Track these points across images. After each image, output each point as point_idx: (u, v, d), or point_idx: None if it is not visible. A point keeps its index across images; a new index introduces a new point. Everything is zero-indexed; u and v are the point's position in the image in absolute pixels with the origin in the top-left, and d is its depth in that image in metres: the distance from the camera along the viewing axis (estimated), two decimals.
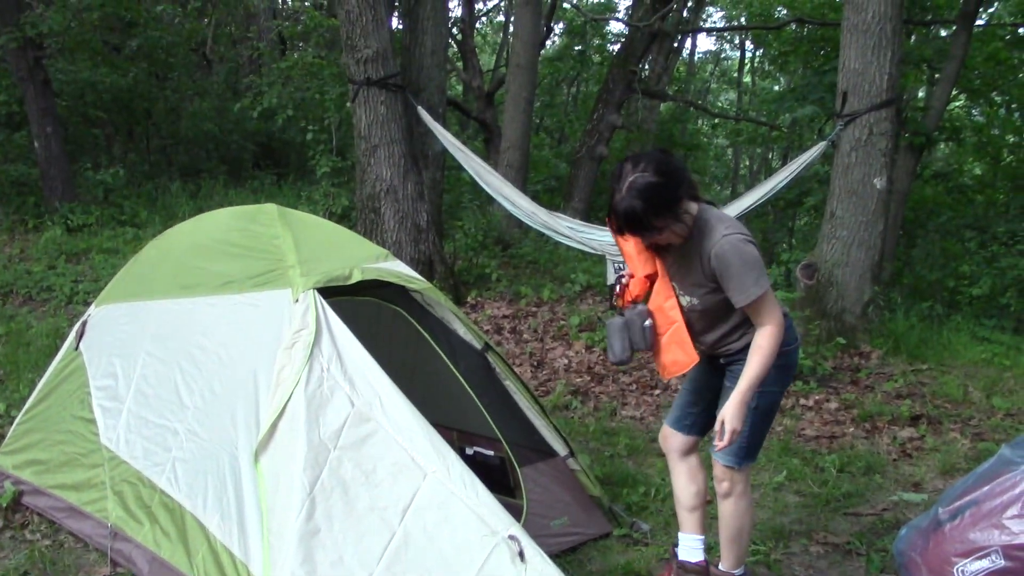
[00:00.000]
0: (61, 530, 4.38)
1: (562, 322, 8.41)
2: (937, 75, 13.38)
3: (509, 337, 8.13)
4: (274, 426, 3.52)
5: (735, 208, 8.22)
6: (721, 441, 3.42)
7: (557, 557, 4.11)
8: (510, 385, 4.48)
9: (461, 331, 4.51)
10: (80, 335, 4.78)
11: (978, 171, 17.96)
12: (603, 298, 8.98)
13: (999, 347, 8.41)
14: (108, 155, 14.96)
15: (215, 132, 16.29)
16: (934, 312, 10.21)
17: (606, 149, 14.23)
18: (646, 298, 3.63)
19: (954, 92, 13.60)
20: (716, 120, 21.80)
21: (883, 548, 4.43)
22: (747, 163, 28.51)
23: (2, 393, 6.10)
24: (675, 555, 4.00)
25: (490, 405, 4.43)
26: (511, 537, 3.33)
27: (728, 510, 3.76)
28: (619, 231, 3.40)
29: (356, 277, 4.01)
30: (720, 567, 3.89)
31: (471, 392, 4.40)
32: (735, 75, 28.96)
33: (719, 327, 3.55)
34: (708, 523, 4.06)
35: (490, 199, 9.06)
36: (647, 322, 3.54)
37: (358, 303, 4.24)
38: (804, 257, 8.91)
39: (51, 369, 4.89)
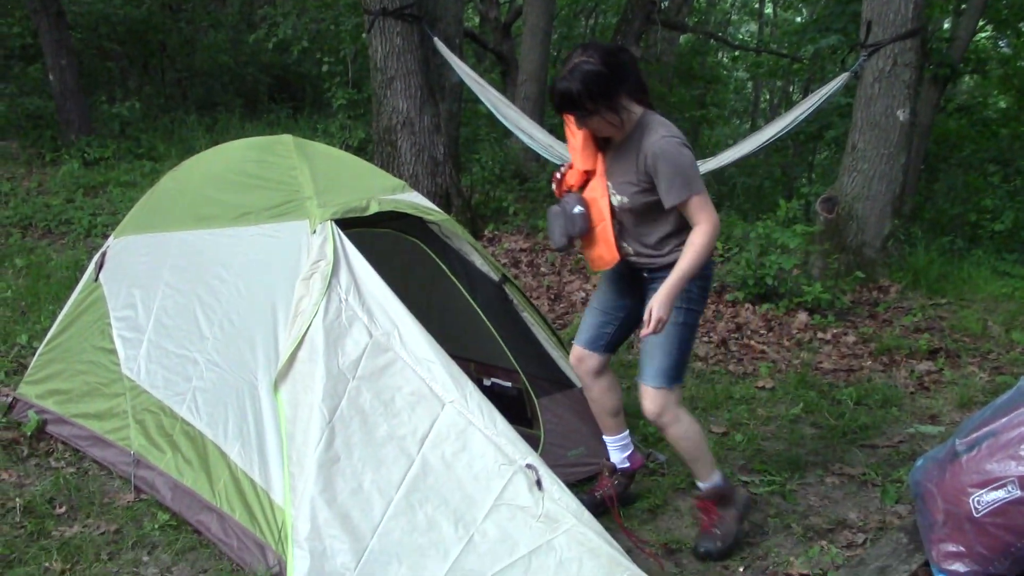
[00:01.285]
0: (85, 458, 4.45)
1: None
2: (963, 5, 13.06)
3: (526, 270, 8.12)
4: (293, 356, 3.54)
5: (754, 141, 8.12)
6: (647, 328, 3.45)
7: (573, 487, 4.08)
8: (527, 317, 4.49)
9: (479, 263, 4.51)
10: (99, 266, 4.80)
11: (1003, 104, 17.64)
12: None
13: (1020, 281, 8.34)
14: (123, 88, 14.89)
15: (230, 64, 16.16)
16: (955, 246, 10.14)
17: None
18: (582, 190, 3.70)
19: (980, 23, 13.29)
20: (736, 52, 21.42)
21: (898, 479, 4.46)
22: (767, 96, 28.11)
23: (24, 324, 6.15)
24: (610, 466, 4.13)
25: (507, 336, 4.45)
26: (528, 466, 3.37)
27: (673, 437, 3.79)
28: (556, 108, 3.51)
29: (373, 208, 3.99)
30: (700, 485, 3.89)
31: (488, 323, 4.41)
32: (756, 6, 28.41)
33: (647, 233, 3.62)
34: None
35: (507, 132, 8.97)
36: (576, 208, 3.61)
37: (376, 234, 4.24)
38: (824, 191, 8.83)
39: (71, 300, 4.92)
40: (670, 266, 3.48)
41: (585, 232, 3.65)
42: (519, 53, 13.66)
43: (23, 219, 9.21)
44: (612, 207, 3.63)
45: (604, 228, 3.63)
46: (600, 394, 4.08)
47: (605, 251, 3.66)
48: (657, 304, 3.42)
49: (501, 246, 8.65)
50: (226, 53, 16.15)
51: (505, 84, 15.38)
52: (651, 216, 3.57)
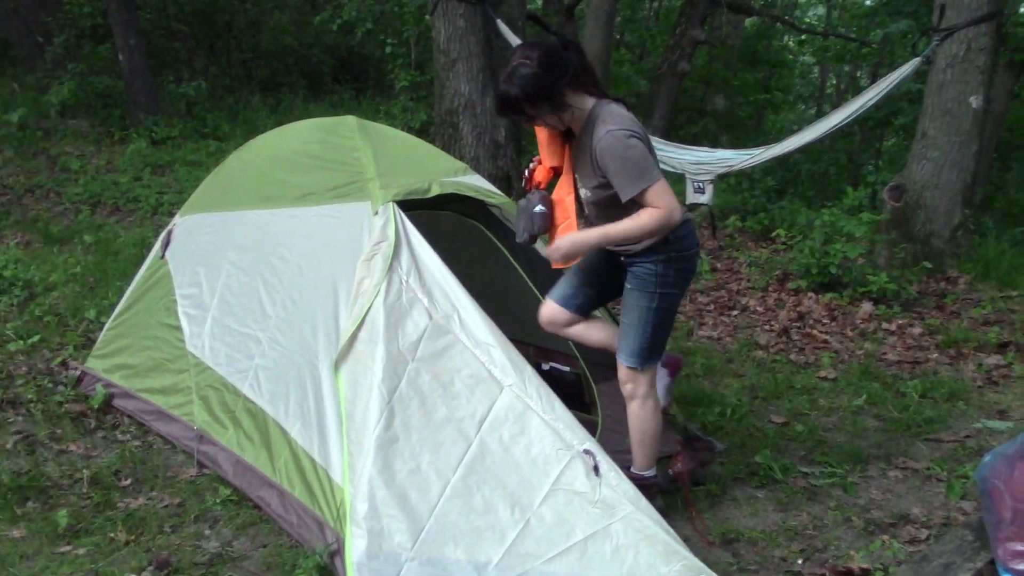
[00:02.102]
0: (150, 432, 4.54)
1: None
2: None
3: None
4: (354, 336, 3.56)
5: (820, 127, 7.97)
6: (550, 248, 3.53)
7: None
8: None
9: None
10: (166, 244, 4.88)
11: None
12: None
13: None
14: (190, 68, 15.09)
15: (294, 46, 16.29)
16: None
17: (688, 65, 13.89)
18: (551, 188, 3.70)
19: None
20: (803, 36, 21.03)
21: (964, 475, 4.36)
22: (834, 81, 27.58)
23: (92, 300, 6.28)
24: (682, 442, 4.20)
25: None
26: (586, 452, 3.35)
27: (633, 413, 3.80)
28: (498, 113, 3.49)
29: (435, 191, 3.99)
30: (632, 470, 3.86)
31: None
32: None
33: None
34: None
35: None
36: (537, 208, 3.61)
37: (437, 216, 4.24)
38: (892, 178, 8.65)
39: (138, 277, 5.01)
40: (645, 252, 3.55)
41: (545, 231, 3.66)
42: (582, 36, 13.57)
43: (92, 196, 9.40)
44: (580, 200, 3.62)
45: (569, 225, 3.60)
46: (581, 332, 4.03)
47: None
48: (567, 239, 3.49)
49: None
50: (291, 34, 16.29)
51: None
52: (615, 208, 3.47)
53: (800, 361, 6.02)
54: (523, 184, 3.80)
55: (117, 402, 4.73)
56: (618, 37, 21.61)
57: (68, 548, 3.56)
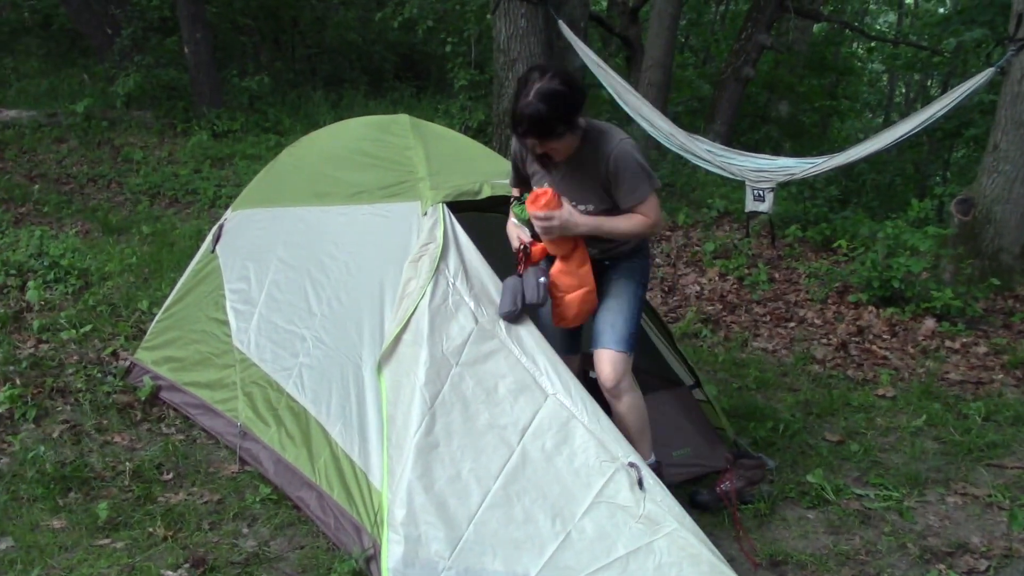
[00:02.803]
0: (194, 426, 4.53)
1: (696, 248, 8.18)
2: None
3: None
4: (397, 338, 3.51)
5: (887, 137, 7.76)
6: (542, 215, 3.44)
7: (677, 487, 4.01)
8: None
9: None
10: (217, 238, 4.88)
11: None
12: (740, 224, 8.68)
13: None
14: (256, 63, 15.23)
15: (358, 42, 16.37)
16: None
17: (753, 70, 13.65)
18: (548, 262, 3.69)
19: None
20: (872, 43, 20.65)
21: None
22: (903, 90, 27.02)
23: (146, 291, 6.32)
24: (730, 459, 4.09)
25: None
26: (631, 465, 3.27)
27: (628, 406, 3.70)
28: (523, 134, 3.42)
29: (486, 192, 3.93)
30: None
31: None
32: None
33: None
34: None
35: (628, 119, 8.81)
36: (542, 279, 3.57)
37: (487, 219, 4.17)
38: (960, 191, 8.39)
39: (189, 270, 5.02)
40: (631, 254, 3.73)
41: (544, 299, 3.58)
42: (646, 39, 13.42)
43: (152, 187, 9.51)
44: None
45: (588, 295, 3.62)
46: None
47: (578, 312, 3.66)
48: (567, 211, 3.45)
49: None
50: (355, 31, 16.36)
51: (630, 70, 15.13)
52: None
53: (858, 377, 5.84)
54: (517, 264, 3.71)
55: (164, 394, 4.74)
56: (683, 40, 21.38)
57: (107, 541, 3.56)
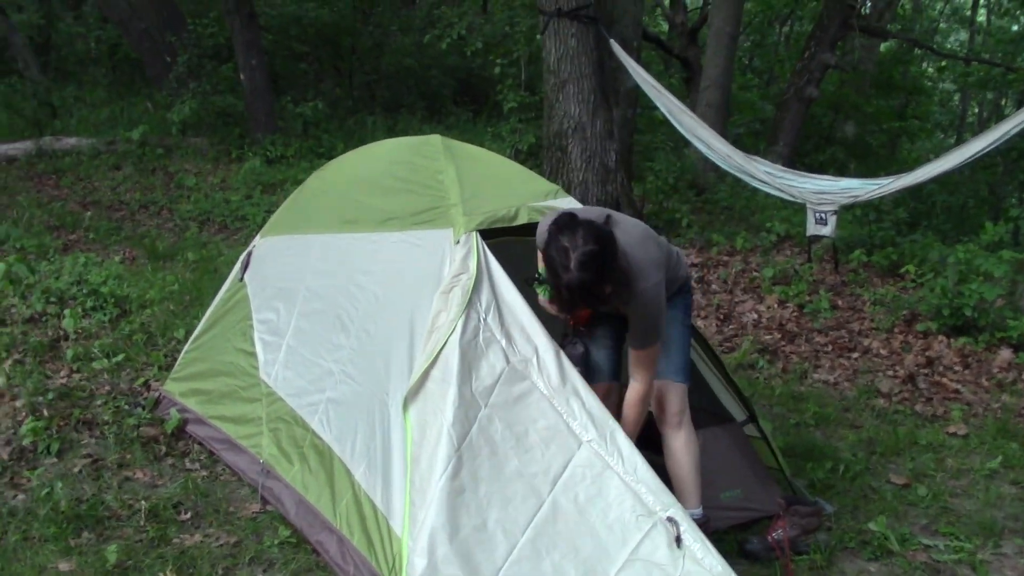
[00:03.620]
0: (219, 462, 4.36)
1: (755, 273, 7.83)
2: None
3: (695, 287, 7.62)
4: (425, 374, 3.30)
5: (959, 156, 7.34)
6: None
7: (725, 534, 3.73)
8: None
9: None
10: (245, 266, 4.72)
11: None
12: (802, 249, 8.31)
13: None
14: (316, 89, 15.24)
15: (415, 68, 16.32)
16: None
17: (816, 90, 13.25)
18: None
19: None
20: (943, 62, 20.04)
21: None
22: (976, 109, 26.28)
23: (183, 319, 6.18)
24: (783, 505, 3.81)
25: None
26: (669, 519, 3.02)
27: (685, 442, 3.60)
28: (568, 306, 3.35)
29: (523, 218, 3.71)
30: (692, 512, 3.46)
31: None
32: (968, 13, 26.59)
33: None
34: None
35: (685, 140, 8.54)
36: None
37: (524, 243, 3.92)
38: None
39: (218, 298, 4.87)
40: (678, 292, 3.62)
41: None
42: (703, 60, 13.13)
43: (202, 214, 9.46)
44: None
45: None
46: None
47: None
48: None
49: None
50: (411, 56, 16.32)
51: (688, 90, 14.86)
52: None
53: (926, 413, 5.45)
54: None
55: (190, 428, 4.57)
56: (746, 62, 21.02)
57: None
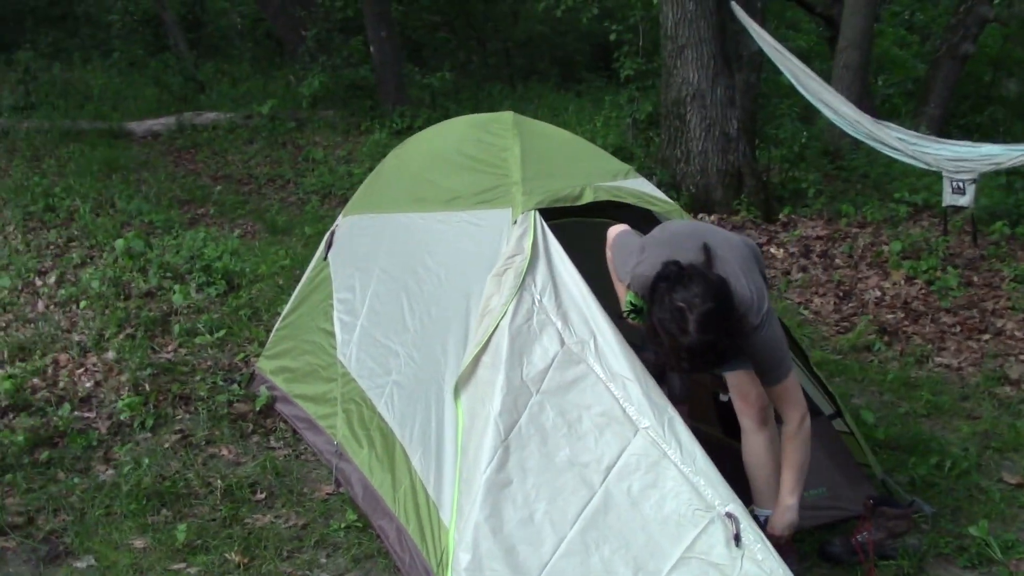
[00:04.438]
0: (302, 441, 4.38)
1: (884, 247, 7.35)
2: None
3: (817, 262, 7.23)
4: (477, 360, 3.21)
5: None
6: None
7: (807, 534, 3.50)
8: None
9: None
10: (328, 245, 4.72)
11: None
12: (940, 219, 7.76)
13: None
14: (453, 60, 15.28)
15: (548, 34, 16.16)
16: None
17: (973, 46, 12.39)
18: None
19: None
20: None
21: None
22: None
23: (290, 294, 6.25)
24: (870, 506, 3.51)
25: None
26: (728, 515, 2.82)
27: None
28: (695, 370, 3.16)
29: (588, 197, 3.55)
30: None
31: None
32: None
33: None
34: None
35: (809, 106, 8.11)
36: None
37: (593, 226, 3.77)
38: None
39: (305, 278, 4.90)
40: None
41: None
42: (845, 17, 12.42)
43: (324, 187, 9.62)
44: None
45: None
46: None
47: None
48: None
49: (794, 232, 7.77)
50: (545, 23, 16.15)
51: (832, 52, 14.14)
52: None
53: None
54: None
55: (279, 406, 4.63)
56: (907, 17, 19.84)
57: (182, 565, 3.45)
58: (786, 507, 3.18)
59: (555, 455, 3.01)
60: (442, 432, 3.30)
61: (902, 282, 6.68)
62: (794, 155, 9.03)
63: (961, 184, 7.17)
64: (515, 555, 2.88)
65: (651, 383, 3.06)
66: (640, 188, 3.80)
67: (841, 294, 6.58)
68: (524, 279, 3.24)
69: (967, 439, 4.46)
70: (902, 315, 6.15)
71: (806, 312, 6.32)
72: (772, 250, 7.48)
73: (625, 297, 3.26)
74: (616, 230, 3.41)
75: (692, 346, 2.83)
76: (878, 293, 6.53)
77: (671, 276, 2.88)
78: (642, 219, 3.83)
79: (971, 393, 5.03)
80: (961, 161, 7.18)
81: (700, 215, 8.10)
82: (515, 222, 3.42)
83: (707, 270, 2.93)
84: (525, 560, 2.87)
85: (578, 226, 3.62)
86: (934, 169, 7.35)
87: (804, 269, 7.13)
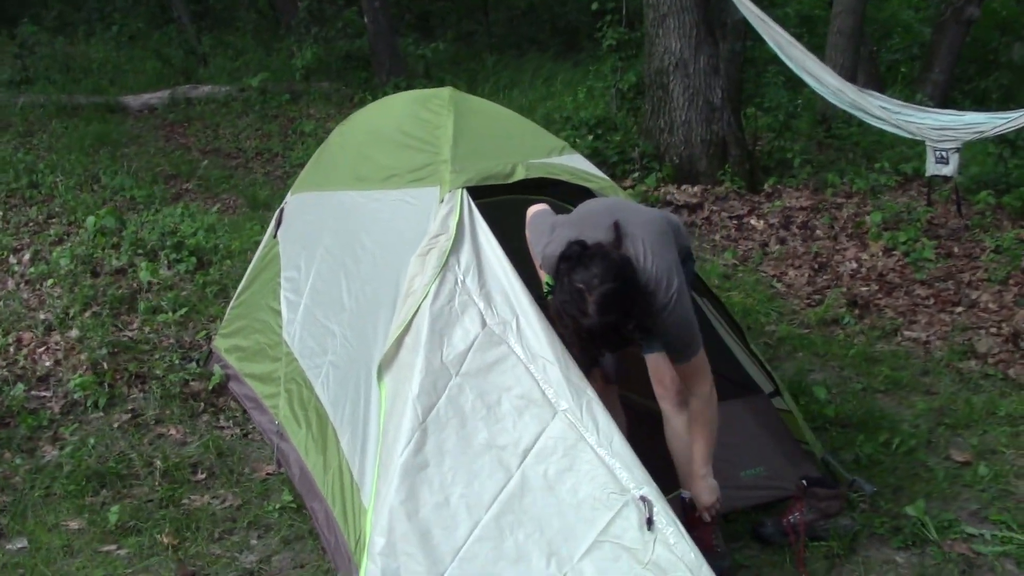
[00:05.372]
0: (251, 420, 4.37)
1: (867, 217, 7.24)
2: None
3: (796, 233, 7.12)
4: (399, 341, 3.17)
5: None
6: None
7: (741, 515, 3.47)
8: (705, 304, 3.75)
9: None
10: (278, 222, 4.69)
11: None
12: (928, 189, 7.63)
13: None
14: (457, 30, 15.15)
15: (550, 2, 15.99)
16: None
17: (977, 10, 12.15)
18: None
19: None
20: None
21: None
22: None
23: None
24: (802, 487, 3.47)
25: None
26: (642, 498, 2.79)
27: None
28: (597, 351, 3.16)
29: (519, 174, 3.50)
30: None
31: None
32: None
33: None
34: None
35: (793, 75, 7.97)
36: None
37: (524, 203, 3.71)
38: None
39: (256, 255, 4.88)
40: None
41: None
42: None
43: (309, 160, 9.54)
44: None
45: None
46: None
47: None
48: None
49: (776, 203, 7.66)
50: None
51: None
52: None
53: (1020, 379, 4.83)
54: None
55: (231, 385, 4.62)
56: None
57: (112, 547, 3.47)
58: (703, 482, 3.17)
59: (473, 438, 2.98)
60: (368, 414, 3.28)
61: (880, 254, 6.58)
62: (780, 124, 8.89)
63: (944, 153, 7.07)
64: (430, 539, 2.86)
65: (572, 365, 3.02)
66: (575, 164, 3.74)
67: (816, 266, 6.49)
68: (448, 259, 3.19)
69: (920, 415, 4.39)
70: (876, 287, 6.06)
71: (778, 285, 6.23)
72: (752, 222, 7.39)
73: (544, 278, 3.21)
74: (533, 210, 3.36)
75: (593, 328, 2.79)
76: (854, 265, 6.44)
77: (572, 256, 2.84)
78: (580, 197, 3.78)
79: (932, 368, 4.94)
80: (945, 130, 7.07)
81: (684, 186, 8.02)
82: (442, 201, 3.37)
83: (612, 249, 2.87)
84: (439, 544, 2.86)
85: (518, 204, 3.57)
86: (918, 138, 7.24)
87: (783, 241, 7.04)
